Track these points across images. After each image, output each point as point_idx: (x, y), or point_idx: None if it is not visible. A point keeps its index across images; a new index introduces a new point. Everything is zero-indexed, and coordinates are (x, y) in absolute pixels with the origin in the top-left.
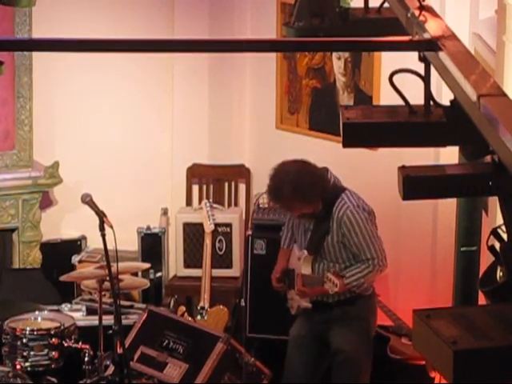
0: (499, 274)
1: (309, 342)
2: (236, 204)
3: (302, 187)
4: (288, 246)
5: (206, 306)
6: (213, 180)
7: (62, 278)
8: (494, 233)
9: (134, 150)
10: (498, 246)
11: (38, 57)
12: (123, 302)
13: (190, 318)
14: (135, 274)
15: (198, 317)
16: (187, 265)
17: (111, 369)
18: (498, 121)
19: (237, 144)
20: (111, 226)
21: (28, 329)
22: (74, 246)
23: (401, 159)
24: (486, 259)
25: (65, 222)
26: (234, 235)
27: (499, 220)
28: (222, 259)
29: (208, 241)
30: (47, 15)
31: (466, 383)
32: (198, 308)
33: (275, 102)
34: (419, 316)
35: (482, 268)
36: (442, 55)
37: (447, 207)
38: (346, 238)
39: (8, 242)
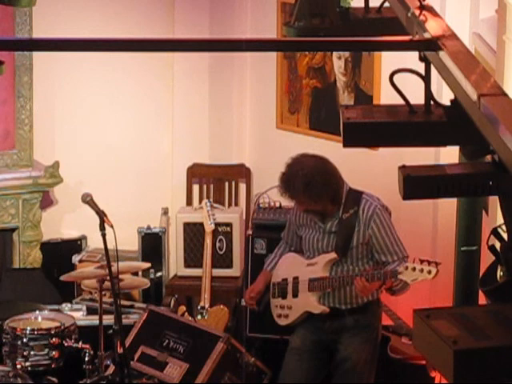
0: (499, 273)
1: (313, 353)
2: (236, 204)
3: (314, 185)
4: (272, 269)
5: (207, 305)
6: (213, 180)
7: (63, 277)
8: (495, 232)
9: (135, 149)
10: (498, 245)
11: (38, 57)
12: (123, 302)
13: (190, 318)
14: (135, 274)
15: (199, 316)
16: (187, 264)
17: (111, 368)
18: (499, 120)
19: (237, 144)
20: (111, 226)
21: (28, 328)
22: (75, 245)
23: (401, 159)
24: (486, 259)
25: (65, 221)
26: (234, 235)
27: (499, 220)
28: (222, 259)
29: (208, 240)
30: (47, 15)
31: (466, 383)
32: (199, 308)
33: (275, 102)
34: (419, 316)
35: (483, 268)
36: (443, 55)
37: (447, 207)
38: (375, 237)
39: (8, 242)
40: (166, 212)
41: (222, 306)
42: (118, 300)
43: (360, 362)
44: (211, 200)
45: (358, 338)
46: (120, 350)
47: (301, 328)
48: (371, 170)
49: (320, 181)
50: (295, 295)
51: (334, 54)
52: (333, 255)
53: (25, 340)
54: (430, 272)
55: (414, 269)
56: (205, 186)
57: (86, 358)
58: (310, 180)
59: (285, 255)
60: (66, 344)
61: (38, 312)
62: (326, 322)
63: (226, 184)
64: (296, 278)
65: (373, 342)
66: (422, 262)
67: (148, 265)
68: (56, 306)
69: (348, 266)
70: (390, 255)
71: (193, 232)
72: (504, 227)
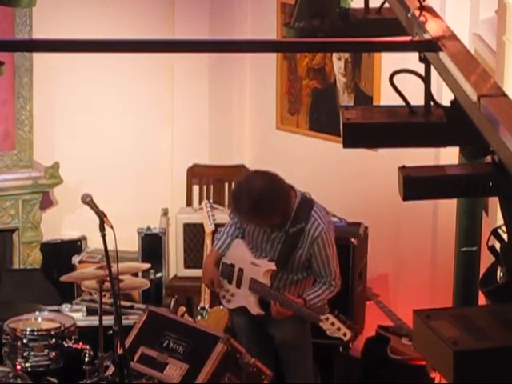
0: (499, 274)
1: (254, 332)
2: None
3: (262, 207)
4: (223, 252)
5: (207, 306)
6: (213, 180)
7: (63, 278)
8: (495, 233)
9: (135, 150)
10: (498, 246)
11: (38, 57)
12: (123, 303)
13: (190, 319)
14: (135, 275)
15: (199, 317)
16: (187, 265)
17: (111, 369)
18: (499, 121)
19: (237, 144)
20: (111, 227)
21: (28, 329)
22: (75, 246)
23: (401, 159)
24: (486, 259)
25: (65, 222)
26: None
27: (499, 220)
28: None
29: (208, 241)
30: (47, 15)
31: (466, 383)
32: (199, 308)
33: (275, 103)
34: (419, 316)
35: (482, 268)
36: (443, 56)
37: (447, 207)
38: (315, 257)
39: (8, 243)
40: (165, 213)
41: (221, 307)
42: (117, 301)
43: (295, 339)
44: (211, 201)
45: (284, 318)
46: (120, 351)
47: (240, 309)
48: (371, 171)
49: (267, 203)
50: (238, 286)
51: (334, 54)
52: (273, 266)
53: (25, 341)
54: (345, 334)
55: (333, 323)
56: (205, 187)
57: (86, 359)
58: (256, 203)
59: (237, 240)
60: (65, 345)
61: (37, 313)
62: None
63: (226, 185)
64: (241, 270)
65: (300, 321)
66: (341, 321)
67: (148, 265)
68: (56, 307)
69: (287, 275)
70: (321, 276)
71: (193, 233)
72: (504, 228)
